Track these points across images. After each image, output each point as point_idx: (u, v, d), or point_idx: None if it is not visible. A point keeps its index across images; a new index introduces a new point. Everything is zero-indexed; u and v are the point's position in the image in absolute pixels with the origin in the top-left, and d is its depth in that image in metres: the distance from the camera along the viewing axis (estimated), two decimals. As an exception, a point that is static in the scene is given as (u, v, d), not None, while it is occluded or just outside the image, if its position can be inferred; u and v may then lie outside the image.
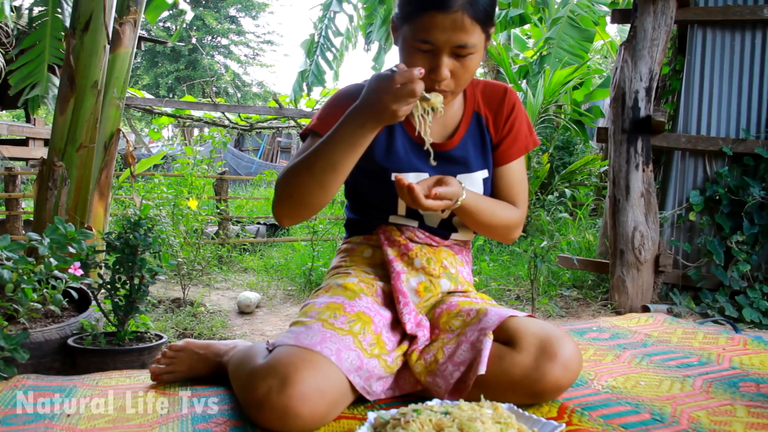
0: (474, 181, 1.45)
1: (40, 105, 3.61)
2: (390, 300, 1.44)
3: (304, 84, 8.50)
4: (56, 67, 3.56)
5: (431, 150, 1.36)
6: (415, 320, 1.39)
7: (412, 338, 1.39)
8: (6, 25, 5.33)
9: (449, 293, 1.49)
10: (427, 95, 1.29)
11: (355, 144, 1.25)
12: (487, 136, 1.49)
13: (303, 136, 1.47)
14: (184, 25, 5.93)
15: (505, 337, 1.30)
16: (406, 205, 1.41)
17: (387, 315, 1.40)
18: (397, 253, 1.46)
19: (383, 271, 1.48)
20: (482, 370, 1.23)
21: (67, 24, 3.19)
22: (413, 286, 1.44)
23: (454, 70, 1.29)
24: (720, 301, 3.02)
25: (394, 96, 1.18)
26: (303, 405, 1.14)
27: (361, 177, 1.46)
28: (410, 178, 1.40)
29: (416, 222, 1.47)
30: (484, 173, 1.47)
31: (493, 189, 1.51)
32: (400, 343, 1.38)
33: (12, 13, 4.22)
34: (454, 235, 1.51)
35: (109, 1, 2.87)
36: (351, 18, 8.40)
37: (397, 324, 1.41)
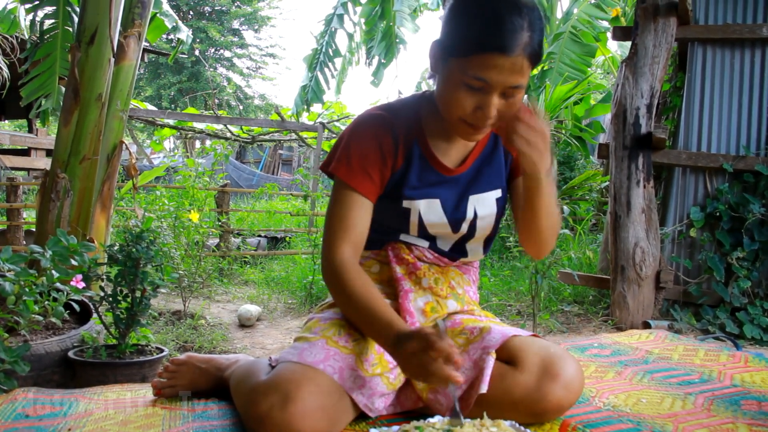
0: (486, 202, 1.43)
1: (50, 116, 3.64)
2: None
3: (306, 99, 8.52)
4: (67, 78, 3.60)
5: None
6: None
7: None
8: (11, 37, 5.37)
9: (454, 312, 1.49)
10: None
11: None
12: (506, 157, 1.46)
13: (327, 173, 1.41)
14: (184, 48, 5.95)
15: (508, 356, 1.30)
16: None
17: None
18: (405, 272, 1.44)
19: (390, 288, 1.46)
20: (484, 389, 1.23)
21: (75, 37, 3.21)
22: (420, 305, 1.43)
23: (501, 108, 1.25)
24: (721, 318, 3.02)
25: (421, 368, 1.12)
26: (304, 422, 1.15)
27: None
28: (421, 205, 1.39)
29: (427, 243, 1.45)
30: (496, 193, 1.45)
31: (516, 200, 1.49)
32: None
33: (26, 25, 4.28)
34: (463, 259, 1.50)
35: (114, 15, 2.90)
36: (351, 36, 8.44)
37: None
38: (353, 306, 1.28)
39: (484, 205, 1.43)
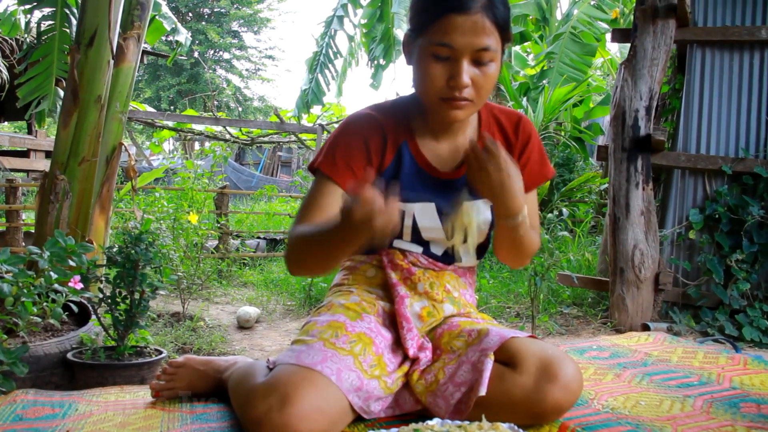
0: (481, 209, 1.41)
1: (46, 118, 3.63)
2: (391, 320, 1.43)
3: (306, 101, 8.53)
4: (64, 81, 3.59)
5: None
6: (417, 344, 1.39)
7: (413, 359, 1.38)
8: (10, 39, 5.38)
9: (451, 315, 1.48)
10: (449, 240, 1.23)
11: (348, 246, 1.16)
12: None
13: (311, 170, 1.41)
14: (183, 50, 5.93)
15: (506, 357, 1.29)
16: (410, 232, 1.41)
17: (388, 336, 1.39)
18: (400, 277, 1.44)
19: (385, 292, 1.46)
20: (483, 391, 1.23)
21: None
22: (416, 311, 1.43)
23: (475, 78, 1.24)
24: (720, 320, 3.02)
25: (363, 230, 1.06)
26: (302, 424, 1.14)
27: None
28: (416, 208, 1.39)
29: (420, 248, 1.44)
30: None
31: None
32: (401, 364, 1.37)
33: (22, 27, 4.28)
34: (457, 263, 1.49)
35: (113, 17, 2.90)
36: (351, 37, 8.45)
37: (398, 345, 1.40)
38: (307, 243, 1.24)
39: (478, 211, 1.40)
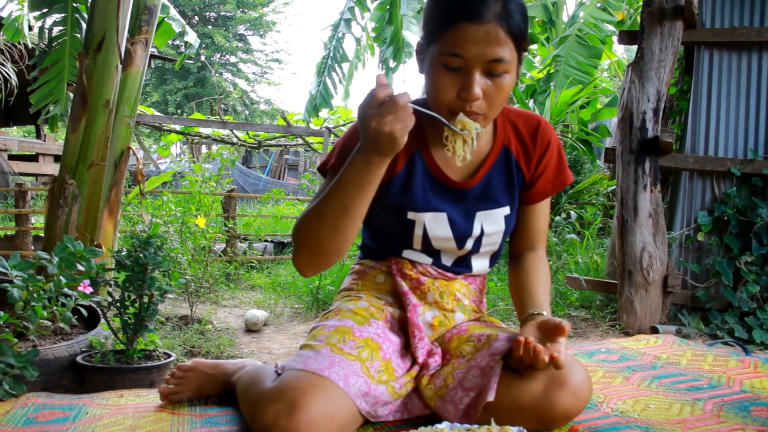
0: (494, 219, 1.40)
1: (59, 122, 3.67)
2: (400, 326, 1.43)
3: (315, 104, 8.55)
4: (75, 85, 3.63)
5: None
6: (426, 351, 1.38)
7: (423, 364, 1.38)
8: (19, 44, 5.42)
9: (461, 321, 1.48)
10: (454, 127, 1.22)
11: (365, 183, 1.17)
12: (517, 173, 1.41)
13: (322, 172, 1.40)
14: (192, 51, 5.93)
15: (515, 363, 1.29)
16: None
17: (396, 341, 1.39)
18: (410, 286, 1.43)
19: (395, 299, 1.45)
20: (491, 397, 1.22)
21: (84, 44, 3.23)
22: (428, 320, 1.42)
23: (487, 90, 1.20)
24: (729, 322, 3.00)
25: (380, 116, 1.09)
26: (311, 429, 1.13)
27: (378, 208, 1.40)
28: (426, 218, 1.37)
29: (430, 260, 1.42)
30: (505, 210, 1.41)
31: (517, 225, 1.47)
32: (410, 368, 1.37)
33: (32, 32, 4.32)
34: (467, 273, 1.47)
35: (122, 22, 2.92)
36: (359, 40, 8.46)
37: (407, 349, 1.40)
38: (319, 210, 1.22)
39: (491, 221, 1.40)
